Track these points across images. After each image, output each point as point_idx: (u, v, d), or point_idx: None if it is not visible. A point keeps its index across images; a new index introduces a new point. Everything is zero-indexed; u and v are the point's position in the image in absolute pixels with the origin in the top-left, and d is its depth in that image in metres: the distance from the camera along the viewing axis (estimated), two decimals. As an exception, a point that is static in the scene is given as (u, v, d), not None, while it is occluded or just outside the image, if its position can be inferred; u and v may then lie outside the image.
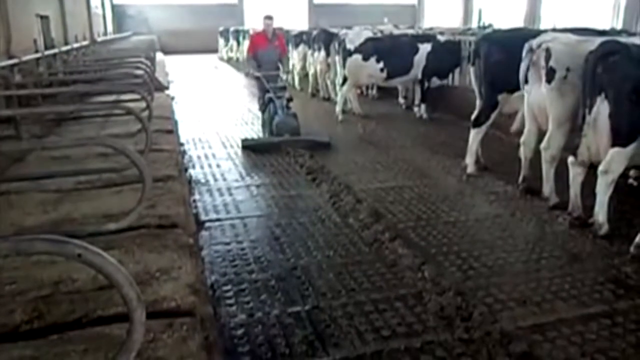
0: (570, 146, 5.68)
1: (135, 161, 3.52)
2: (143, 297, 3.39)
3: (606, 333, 3.69)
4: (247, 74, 10.32)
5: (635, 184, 6.75)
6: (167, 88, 13.78)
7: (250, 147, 8.81)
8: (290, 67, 15.78)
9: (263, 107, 9.88)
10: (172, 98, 12.61)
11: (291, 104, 9.28)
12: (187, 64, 26.96)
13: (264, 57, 9.89)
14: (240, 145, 9.03)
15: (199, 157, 8.44)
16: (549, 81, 5.68)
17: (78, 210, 4.65)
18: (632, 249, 4.84)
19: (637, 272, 4.55)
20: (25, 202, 4.55)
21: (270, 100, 9.29)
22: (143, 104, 6.92)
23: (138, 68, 9.62)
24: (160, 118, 9.02)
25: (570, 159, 5.61)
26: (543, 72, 5.75)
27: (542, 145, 6.03)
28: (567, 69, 5.54)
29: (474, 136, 7.33)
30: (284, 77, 10.34)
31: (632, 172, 6.78)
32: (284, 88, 9.52)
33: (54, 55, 11.38)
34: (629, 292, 4.24)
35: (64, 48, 12.73)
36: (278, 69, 10.02)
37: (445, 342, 3.57)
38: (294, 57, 15.63)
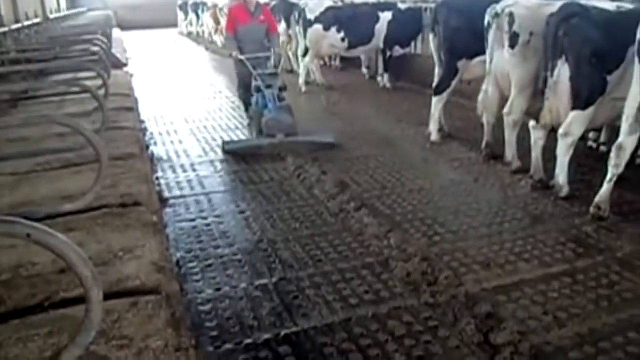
0: (532, 111, 5.75)
1: (90, 138, 3.42)
2: (106, 277, 3.36)
3: (567, 291, 3.79)
4: (231, 56, 8.10)
5: (594, 146, 6.89)
6: (125, 65, 13.44)
7: (233, 152, 7.14)
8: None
9: (244, 97, 8.27)
10: (131, 75, 12.33)
11: (285, 94, 7.65)
12: (146, 39, 26.34)
13: (247, 35, 7.98)
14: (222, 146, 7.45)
15: (160, 134, 8.30)
16: (512, 46, 5.71)
17: (37, 193, 4.52)
18: (591, 209, 4.96)
19: (596, 232, 4.67)
20: (-19, 186, 4.42)
21: (258, 90, 7.51)
22: (100, 82, 6.74)
23: (94, 45, 9.34)
24: (119, 95, 8.82)
25: (532, 123, 5.68)
26: (506, 37, 5.77)
27: (505, 110, 6.09)
28: (531, 34, 5.57)
29: (436, 104, 7.36)
30: (278, 60, 8.30)
31: (591, 135, 6.91)
32: (274, 74, 7.66)
33: (4, 33, 10.94)
34: (589, 251, 4.35)
35: (15, 26, 12.22)
36: (267, 49, 8.12)
37: (412, 307, 3.62)
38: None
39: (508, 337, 3.25)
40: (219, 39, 20.63)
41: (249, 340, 3.27)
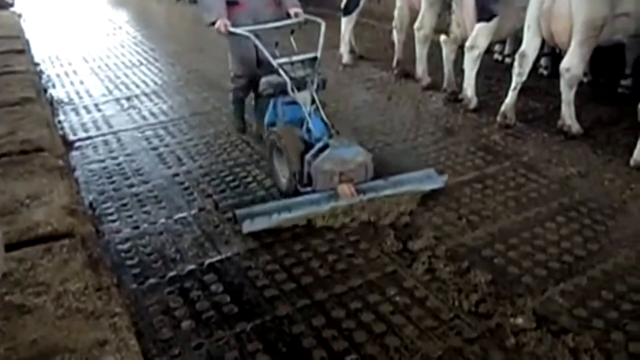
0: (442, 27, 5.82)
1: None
2: (14, 226, 3.22)
3: (479, 196, 3.98)
4: (212, 25, 4.42)
5: (500, 58, 7.10)
6: (11, 5, 12.40)
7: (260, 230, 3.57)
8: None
9: (242, 95, 5.10)
10: (20, 15, 11.41)
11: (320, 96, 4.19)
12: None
13: None
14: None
15: (58, 76, 7.75)
16: None
17: None
18: (498, 118, 5.17)
19: (503, 139, 4.90)
20: None
21: (276, 92, 4.27)
22: (-18, 22, 6.20)
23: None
24: (7, 38, 8.22)
25: (443, 37, 5.75)
26: None
27: (416, 25, 6.13)
28: None
29: (346, 25, 7.27)
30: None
31: (496, 47, 7.10)
32: (311, 61, 4.26)
33: None
34: (497, 157, 4.57)
35: None
36: (279, 18, 4.87)
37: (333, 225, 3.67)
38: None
39: (425, 243, 3.39)
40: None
41: (172, 273, 3.22)
